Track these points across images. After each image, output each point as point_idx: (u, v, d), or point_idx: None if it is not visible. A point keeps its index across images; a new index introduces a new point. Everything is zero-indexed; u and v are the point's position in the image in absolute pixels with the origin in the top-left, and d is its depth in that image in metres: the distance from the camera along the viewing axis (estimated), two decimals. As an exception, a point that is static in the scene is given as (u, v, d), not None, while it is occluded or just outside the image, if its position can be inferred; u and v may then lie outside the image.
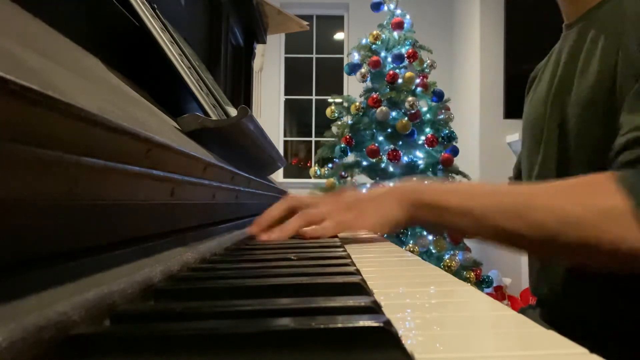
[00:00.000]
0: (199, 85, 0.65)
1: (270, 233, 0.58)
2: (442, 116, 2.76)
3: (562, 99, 0.65)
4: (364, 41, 2.85)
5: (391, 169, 2.68)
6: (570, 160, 0.63)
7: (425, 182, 0.61)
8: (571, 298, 0.63)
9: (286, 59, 4.50)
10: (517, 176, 0.91)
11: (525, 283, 2.95)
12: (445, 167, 2.67)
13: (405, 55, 2.71)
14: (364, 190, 0.65)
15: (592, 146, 0.59)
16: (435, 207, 0.54)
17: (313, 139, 4.56)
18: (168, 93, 0.61)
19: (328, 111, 2.89)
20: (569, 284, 0.63)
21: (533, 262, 0.74)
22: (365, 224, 0.58)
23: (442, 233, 0.65)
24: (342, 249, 0.48)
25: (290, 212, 0.61)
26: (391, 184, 0.63)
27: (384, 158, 2.65)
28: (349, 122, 2.80)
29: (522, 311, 0.79)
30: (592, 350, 0.19)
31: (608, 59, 0.57)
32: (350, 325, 0.18)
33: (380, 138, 2.72)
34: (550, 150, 0.67)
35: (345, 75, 4.20)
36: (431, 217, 0.55)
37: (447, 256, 2.54)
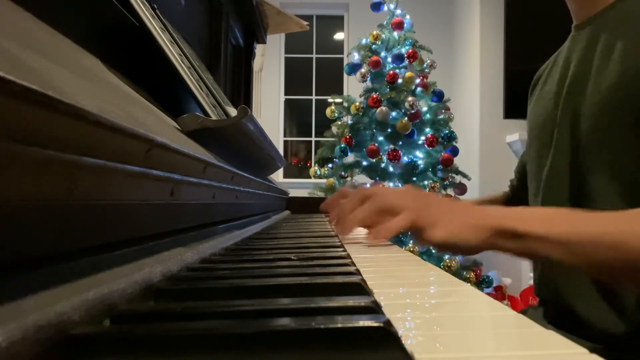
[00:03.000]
0: (199, 85, 0.65)
1: (340, 226, 0.58)
2: (442, 116, 2.76)
3: (575, 99, 0.64)
4: (364, 41, 2.85)
5: (391, 169, 2.68)
6: (584, 163, 0.62)
7: (500, 207, 0.57)
8: (576, 298, 0.62)
9: (286, 59, 4.50)
10: (520, 181, 0.89)
11: (525, 283, 2.95)
12: (445, 167, 2.67)
13: (405, 55, 2.71)
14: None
15: (610, 147, 0.58)
16: (519, 235, 0.50)
17: (313, 139, 4.56)
18: (168, 93, 0.61)
19: (328, 111, 2.89)
20: (574, 285, 0.62)
21: (537, 264, 0.73)
22: (435, 232, 0.52)
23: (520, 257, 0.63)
24: (342, 249, 0.48)
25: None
26: (456, 200, 0.61)
27: (384, 158, 2.64)
28: (349, 122, 2.80)
29: (524, 312, 0.78)
30: (595, 350, 0.19)
31: (631, 60, 0.57)
32: (350, 325, 0.18)
33: (380, 138, 2.72)
34: (562, 153, 0.65)
35: (345, 75, 4.20)
36: (512, 245, 0.51)
37: (447, 256, 2.54)
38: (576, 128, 0.63)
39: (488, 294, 0.34)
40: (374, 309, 0.22)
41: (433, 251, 2.50)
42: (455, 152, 2.71)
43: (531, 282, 2.99)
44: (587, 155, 0.61)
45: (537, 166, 0.72)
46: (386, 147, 2.66)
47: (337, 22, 4.51)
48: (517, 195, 0.89)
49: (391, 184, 2.67)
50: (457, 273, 2.49)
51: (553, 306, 0.68)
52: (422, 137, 2.70)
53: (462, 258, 2.62)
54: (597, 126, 0.60)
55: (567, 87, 0.66)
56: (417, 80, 2.70)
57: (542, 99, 0.74)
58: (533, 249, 0.50)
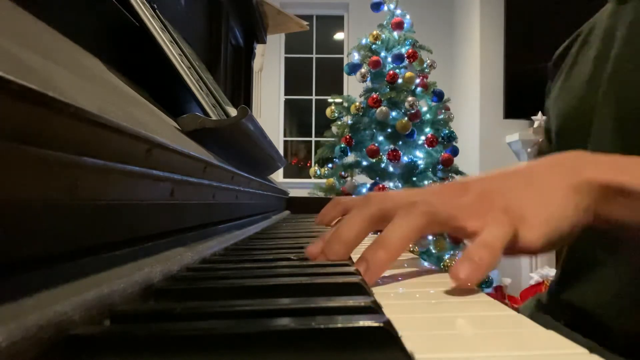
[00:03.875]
0: (199, 85, 0.65)
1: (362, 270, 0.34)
2: (442, 116, 2.76)
3: (624, 79, 0.52)
4: (364, 41, 2.85)
5: (391, 169, 2.68)
6: (631, 153, 0.52)
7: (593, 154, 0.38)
8: (606, 305, 0.51)
9: (286, 59, 4.50)
10: None
11: (525, 283, 2.95)
12: (445, 167, 2.67)
13: (405, 55, 2.71)
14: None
15: None
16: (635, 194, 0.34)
17: (313, 139, 4.56)
18: (168, 93, 0.61)
19: (328, 111, 2.89)
20: (607, 291, 0.52)
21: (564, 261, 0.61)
22: (529, 236, 0.34)
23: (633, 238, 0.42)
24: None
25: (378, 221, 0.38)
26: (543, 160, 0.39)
27: (384, 158, 2.65)
28: (349, 122, 2.81)
29: (527, 307, 0.71)
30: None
31: None
32: (350, 325, 0.18)
33: (380, 138, 2.72)
34: (605, 141, 0.53)
35: (345, 75, 4.20)
36: (633, 214, 0.35)
37: (447, 256, 2.54)
38: (624, 112, 0.52)
39: (488, 293, 0.33)
40: (374, 309, 0.22)
41: (433, 251, 2.51)
42: (455, 152, 2.71)
43: (531, 282, 2.98)
44: (636, 143, 0.49)
45: None
46: (386, 147, 2.66)
47: (337, 22, 4.51)
48: None
49: (391, 184, 2.68)
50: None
51: (574, 310, 0.57)
52: (422, 137, 2.70)
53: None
54: None
55: (611, 67, 0.55)
56: (417, 80, 2.70)
57: (572, 84, 0.63)
58: None
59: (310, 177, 3.03)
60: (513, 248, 0.34)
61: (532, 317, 0.61)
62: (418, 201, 0.36)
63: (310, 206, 1.45)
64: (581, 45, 0.64)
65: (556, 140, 0.64)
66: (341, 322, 0.18)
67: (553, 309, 0.61)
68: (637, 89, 0.49)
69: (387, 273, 0.40)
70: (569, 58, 0.67)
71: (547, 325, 0.22)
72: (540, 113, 3.19)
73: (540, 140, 0.74)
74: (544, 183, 0.35)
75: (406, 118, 2.61)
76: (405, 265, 0.44)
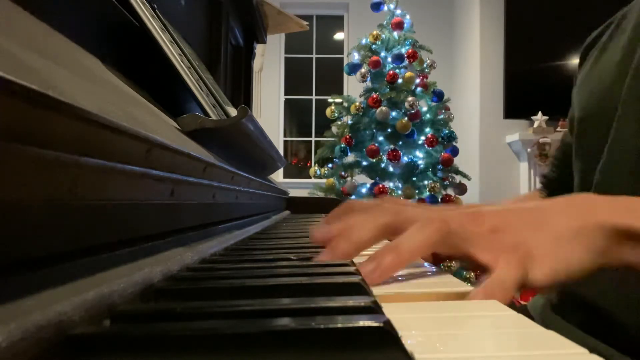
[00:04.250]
0: (199, 85, 0.65)
1: (370, 272, 0.35)
2: (442, 116, 2.76)
3: None
4: (364, 41, 2.86)
5: (391, 169, 2.68)
6: None
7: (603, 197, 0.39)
8: (620, 305, 0.51)
9: (286, 59, 4.50)
10: (558, 173, 0.75)
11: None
12: (445, 167, 2.67)
13: (405, 55, 2.72)
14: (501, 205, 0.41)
15: None
16: None
17: (313, 139, 4.56)
18: (168, 93, 0.61)
19: (328, 111, 2.89)
20: (619, 290, 0.51)
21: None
22: (537, 275, 0.34)
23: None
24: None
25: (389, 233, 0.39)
26: (552, 200, 0.40)
27: (384, 158, 2.65)
28: (349, 122, 2.81)
29: (532, 305, 0.69)
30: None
31: None
32: (350, 325, 0.18)
33: (380, 138, 2.72)
34: (628, 130, 0.52)
35: (345, 75, 4.20)
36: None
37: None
38: None
39: (488, 294, 0.34)
40: (374, 309, 0.22)
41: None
42: (455, 152, 2.71)
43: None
44: None
45: (595, 148, 0.58)
46: (386, 147, 2.67)
47: (337, 22, 4.51)
48: (555, 194, 0.66)
49: (391, 184, 2.68)
50: (457, 273, 2.49)
51: (588, 309, 0.56)
52: (422, 137, 2.70)
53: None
54: None
55: (638, 58, 0.54)
56: (417, 80, 2.71)
57: (600, 70, 0.62)
58: None
59: (310, 177, 3.03)
60: (523, 286, 0.35)
61: (543, 318, 0.60)
62: (435, 218, 0.38)
63: (310, 206, 1.45)
64: (612, 34, 0.63)
65: (578, 128, 0.62)
66: (341, 322, 0.18)
67: (565, 308, 0.60)
68: None
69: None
70: (598, 46, 0.66)
71: (558, 328, 0.22)
72: (540, 113, 3.19)
73: (564, 132, 0.73)
74: (556, 224, 0.36)
75: (406, 118, 2.61)
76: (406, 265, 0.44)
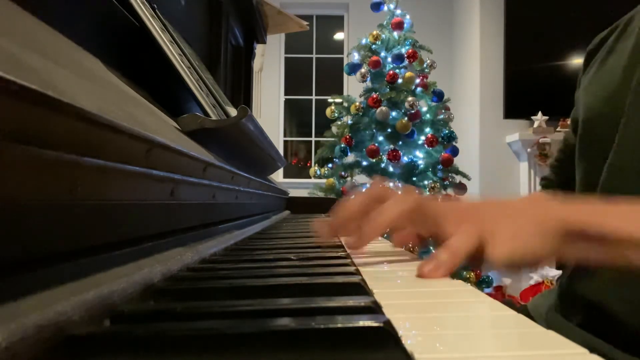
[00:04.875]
0: (199, 85, 0.65)
1: (352, 239, 0.43)
2: (442, 116, 2.76)
3: None
4: (364, 41, 2.85)
5: (391, 169, 2.68)
6: None
7: (563, 199, 0.43)
8: (621, 303, 0.52)
9: (286, 59, 4.50)
10: (559, 174, 0.76)
11: (525, 283, 2.95)
12: (445, 167, 2.67)
13: (405, 55, 2.71)
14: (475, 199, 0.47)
15: None
16: (600, 237, 0.38)
17: (313, 139, 4.56)
18: (168, 93, 0.61)
19: (328, 111, 2.89)
20: (621, 288, 0.52)
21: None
22: (496, 251, 0.39)
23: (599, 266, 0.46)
24: (342, 249, 0.48)
25: (375, 204, 0.45)
26: (520, 196, 0.45)
27: (384, 158, 2.65)
28: (349, 122, 2.81)
29: (531, 305, 0.69)
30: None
31: None
32: (350, 325, 0.18)
33: (380, 138, 2.72)
34: (635, 130, 0.54)
35: (345, 75, 4.20)
36: (593, 253, 0.39)
37: (447, 256, 2.53)
38: None
39: (488, 294, 0.33)
40: (374, 309, 0.22)
41: (433, 251, 2.50)
42: (455, 152, 2.71)
43: (531, 282, 2.97)
44: None
45: (599, 150, 0.60)
46: (386, 147, 2.66)
47: (337, 22, 4.51)
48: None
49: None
50: (457, 273, 2.49)
51: (584, 305, 0.58)
52: (422, 137, 2.70)
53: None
54: None
55: None
56: (417, 80, 2.70)
57: (606, 73, 0.63)
58: (619, 256, 0.38)
59: (310, 177, 3.03)
60: (479, 260, 0.40)
61: (546, 318, 0.61)
62: (412, 197, 0.44)
63: (310, 206, 1.45)
64: (618, 37, 0.65)
65: (583, 129, 0.64)
66: (341, 322, 0.18)
67: (567, 308, 0.60)
68: None
69: (387, 273, 0.40)
70: (604, 49, 0.67)
71: (560, 328, 0.22)
72: (540, 113, 3.19)
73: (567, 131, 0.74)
74: (520, 215, 0.41)
75: (406, 118, 2.61)
76: (406, 265, 0.44)
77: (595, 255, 0.39)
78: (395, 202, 0.43)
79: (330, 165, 2.81)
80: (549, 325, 0.22)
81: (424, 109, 2.74)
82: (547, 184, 0.79)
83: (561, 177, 0.76)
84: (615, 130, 0.56)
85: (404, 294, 0.32)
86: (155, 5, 0.65)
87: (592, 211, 0.40)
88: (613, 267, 0.41)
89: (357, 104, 2.74)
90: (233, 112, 0.74)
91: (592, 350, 0.19)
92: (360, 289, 0.27)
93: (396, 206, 0.43)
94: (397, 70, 2.72)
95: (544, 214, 0.40)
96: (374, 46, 2.82)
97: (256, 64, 2.30)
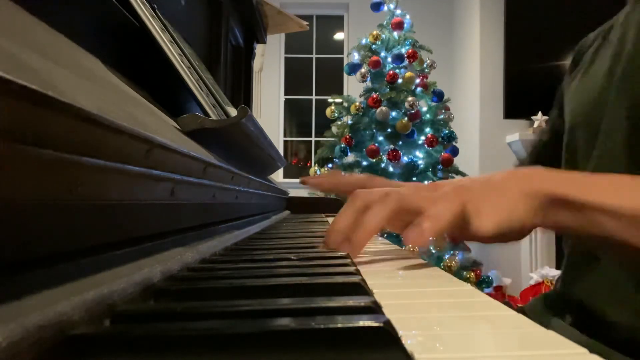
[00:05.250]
0: (199, 85, 0.65)
1: (346, 248, 0.43)
2: (442, 116, 2.76)
3: (635, 81, 0.55)
4: (364, 41, 2.86)
5: (391, 169, 2.68)
6: None
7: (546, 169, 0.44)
8: (611, 303, 0.53)
9: (286, 59, 4.50)
10: (536, 162, 0.76)
11: (525, 283, 2.95)
12: (445, 167, 2.67)
13: (405, 55, 2.72)
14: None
15: None
16: (579, 205, 0.40)
17: (313, 139, 4.56)
18: (168, 93, 0.61)
19: (328, 111, 2.89)
20: (612, 287, 0.54)
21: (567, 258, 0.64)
22: (483, 221, 0.40)
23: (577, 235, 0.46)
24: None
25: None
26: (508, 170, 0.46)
27: (384, 158, 2.65)
28: (349, 122, 2.81)
29: (530, 306, 0.70)
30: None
31: None
32: (350, 325, 0.18)
33: (380, 138, 2.72)
34: (614, 141, 0.55)
35: (345, 75, 4.20)
36: (571, 219, 0.41)
37: (447, 256, 2.54)
38: (633, 116, 0.54)
39: (488, 293, 0.33)
40: (374, 309, 0.22)
41: (433, 251, 2.51)
42: (455, 152, 2.71)
43: (531, 282, 2.98)
44: None
45: (586, 150, 0.62)
46: (386, 147, 2.67)
47: (337, 22, 4.51)
48: None
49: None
50: (457, 273, 2.49)
51: (577, 306, 0.59)
52: (422, 137, 2.70)
53: (462, 258, 2.62)
54: None
55: (622, 65, 0.58)
56: (417, 80, 2.71)
57: (590, 80, 0.65)
58: (597, 224, 0.39)
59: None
60: (467, 233, 0.41)
61: (543, 321, 0.62)
62: (393, 192, 0.44)
63: (310, 206, 1.45)
64: (600, 43, 0.67)
65: (568, 137, 0.66)
66: (341, 322, 0.18)
67: (559, 307, 0.62)
68: None
69: (387, 273, 0.40)
70: (588, 56, 0.69)
71: (554, 327, 0.22)
72: (540, 113, 3.19)
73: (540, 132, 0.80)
74: (502, 186, 0.42)
75: (406, 118, 2.61)
76: (406, 265, 0.44)
77: (574, 223, 0.41)
78: (377, 209, 0.43)
79: (330, 165, 2.81)
80: (540, 324, 0.23)
81: (424, 109, 2.74)
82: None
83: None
84: (596, 137, 0.58)
85: (404, 294, 0.32)
86: (155, 5, 0.65)
87: (573, 181, 0.42)
88: (591, 236, 0.42)
89: (357, 104, 2.74)
90: (233, 112, 0.74)
91: (591, 351, 0.19)
92: (361, 289, 0.27)
93: (379, 212, 0.43)
94: (397, 70, 2.72)
95: (528, 184, 0.41)
96: (374, 46, 2.82)
97: (256, 64, 2.30)
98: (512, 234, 0.41)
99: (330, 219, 1.01)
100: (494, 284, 2.83)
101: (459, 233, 0.42)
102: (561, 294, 0.63)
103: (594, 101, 0.61)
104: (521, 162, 0.85)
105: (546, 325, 0.24)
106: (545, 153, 0.77)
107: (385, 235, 2.63)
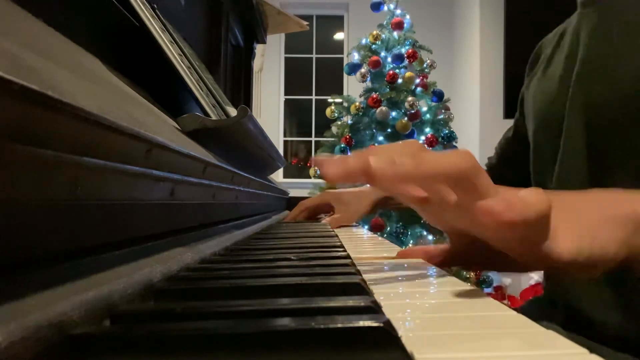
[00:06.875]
0: (199, 85, 0.65)
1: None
2: (442, 116, 2.76)
3: (589, 83, 0.55)
4: (363, 41, 2.86)
5: (391, 169, 2.68)
6: (606, 153, 0.53)
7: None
8: (591, 302, 0.54)
9: (286, 59, 4.50)
10: (500, 161, 0.84)
11: (525, 283, 2.95)
12: (445, 167, 2.67)
13: (405, 55, 2.71)
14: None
15: (634, 145, 0.50)
16: None
17: (313, 139, 4.56)
18: (168, 93, 0.61)
19: (328, 111, 2.89)
20: (590, 288, 0.54)
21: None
22: (562, 244, 0.30)
23: None
24: (342, 249, 0.48)
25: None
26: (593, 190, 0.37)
27: (384, 158, 2.64)
28: (349, 122, 2.81)
29: (528, 306, 0.72)
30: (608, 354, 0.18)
31: None
32: (350, 325, 0.18)
33: (380, 138, 2.72)
34: (575, 142, 0.56)
35: (345, 75, 4.20)
36: None
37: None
38: (590, 117, 0.55)
39: (488, 293, 0.33)
40: (374, 309, 0.22)
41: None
42: (455, 152, 2.71)
43: (531, 282, 2.98)
44: (605, 143, 0.53)
45: (541, 156, 0.63)
46: (386, 147, 2.66)
47: (337, 22, 4.51)
48: (494, 175, 0.58)
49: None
50: (457, 273, 2.49)
51: (565, 308, 0.59)
52: (422, 137, 2.70)
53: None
54: (619, 120, 0.52)
55: (577, 69, 0.58)
56: (417, 80, 2.71)
57: (547, 81, 0.66)
58: None
59: (310, 177, 3.03)
60: (545, 260, 0.31)
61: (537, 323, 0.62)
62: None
63: (310, 206, 1.45)
64: (555, 47, 0.68)
65: (533, 142, 0.67)
66: (341, 322, 0.18)
67: (548, 310, 0.63)
68: (604, 95, 0.54)
69: (387, 273, 0.40)
70: (545, 56, 0.71)
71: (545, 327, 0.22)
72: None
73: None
74: (587, 212, 0.33)
75: (406, 118, 2.61)
76: (405, 265, 0.44)
77: None
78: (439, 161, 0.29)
79: (330, 165, 2.81)
80: None
81: (424, 109, 2.74)
82: (488, 165, 0.87)
83: (499, 165, 0.83)
84: (559, 139, 0.59)
85: (404, 294, 0.32)
86: (155, 5, 0.65)
87: None
88: None
89: (357, 104, 2.74)
90: (233, 112, 0.74)
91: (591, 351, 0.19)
92: (361, 289, 0.27)
93: (443, 164, 0.28)
94: (397, 70, 2.72)
95: (614, 208, 0.33)
96: (374, 46, 2.82)
97: (256, 64, 2.30)
98: (591, 261, 0.31)
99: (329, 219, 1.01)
100: (494, 284, 2.83)
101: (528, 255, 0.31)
102: (547, 297, 0.64)
103: (553, 104, 0.62)
104: (489, 161, 0.88)
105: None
106: (514, 153, 0.80)
107: (385, 235, 2.62)
